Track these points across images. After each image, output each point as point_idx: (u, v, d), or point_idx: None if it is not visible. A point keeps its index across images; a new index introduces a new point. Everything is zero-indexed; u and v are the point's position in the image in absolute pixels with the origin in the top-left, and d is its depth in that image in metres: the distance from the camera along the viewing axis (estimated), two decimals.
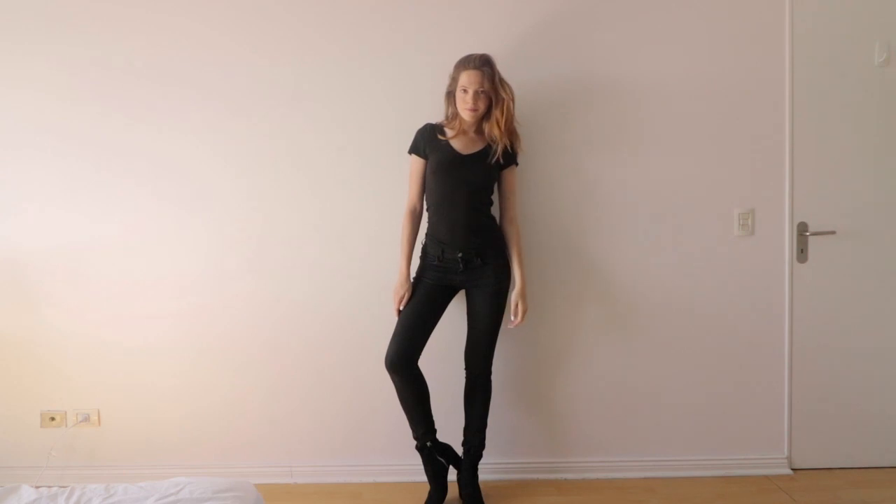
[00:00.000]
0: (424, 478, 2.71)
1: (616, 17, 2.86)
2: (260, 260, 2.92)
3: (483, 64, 2.52)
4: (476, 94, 2.51)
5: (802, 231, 2.94)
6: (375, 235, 2.88)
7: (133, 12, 2.85)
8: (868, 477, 2.92)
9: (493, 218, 2.71)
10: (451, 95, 2.61)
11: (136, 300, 2.94)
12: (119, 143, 2.89)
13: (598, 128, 2.89)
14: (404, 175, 2.72)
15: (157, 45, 2.86)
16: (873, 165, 2.93)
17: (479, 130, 2.63)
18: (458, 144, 2.61)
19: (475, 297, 2.66)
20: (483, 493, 2.73)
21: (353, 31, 2.85)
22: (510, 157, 2.65)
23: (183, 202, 2.91)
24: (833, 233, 2.93)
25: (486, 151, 2.60)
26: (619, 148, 2.90)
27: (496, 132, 2.56)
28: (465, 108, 2.53)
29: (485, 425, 2.74)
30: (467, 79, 2.51)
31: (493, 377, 2.75)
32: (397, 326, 2.62)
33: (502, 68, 2.59)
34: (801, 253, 2.95)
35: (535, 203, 2.91)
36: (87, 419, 2.97)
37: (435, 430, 2.69)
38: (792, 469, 2.99)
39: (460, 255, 2.59)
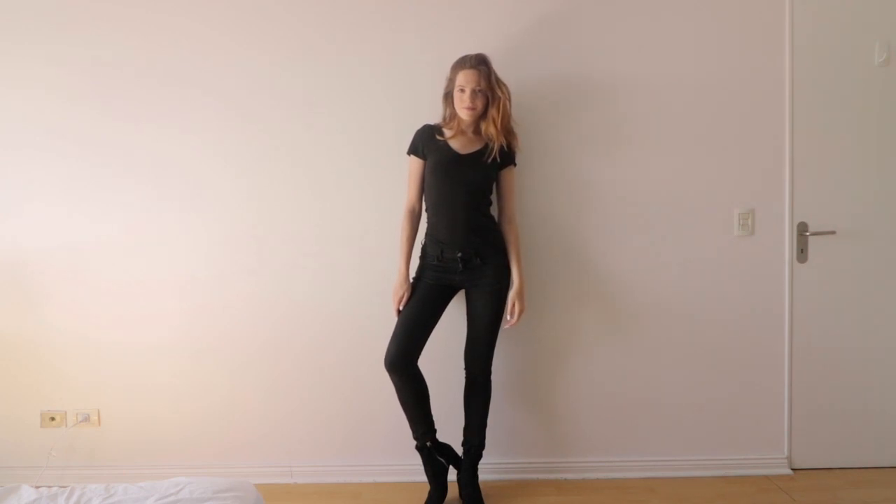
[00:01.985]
0: (424, 478, 2.71)
1: (615, 16, 2.86)
2: (260, 260, 2.92)
3: (479, 63, 2.54)
4: (473, 92, 2.52)
5: (802, 231, 2.94)
6: (375, 235, 2.87)
7: (133, 12, 2.85)
8: (868, 477, 2.92)
9: (491, 218, 2.71)
10: (448, 97, 2.62)
11: (137, 300, 2.94)
12: (119, 143, 2.89)
13: (597, 128, 2.89)
14: (404, 175, 2.72)
15: (158, 46, 2.86)
16: (873, 165, 2.93)
17: (476, 130, 2.63)
18: (457, 144, 2.61)
19: (474, 296, 2.66)
20: (483, 493, 2.73)
21: (353, 31, 2.84)
22: (507, 157, 2.65)
23: (183, 202, 2.91)
24: (833, 233, 2.93)
25: (484, 151, 2.60)
26: (618, 148, 2.90)
27: (492, 131, 2.57)
28: (463, 107, 2.54)
29: (484, 425, 2.73)
30: (464, 78, 2.53)
31: (494, 377, 2.75)
32: (397, 326, 2.62)
33: (502, 68, 2.60)
34: (801, 253, 2.95)
35: (534, 203, 2.90)
36: (87, 419, 2.97)
37: (435, 430, 2.68)
38: (792, 469, 2.99)
39: (459, 254, 2.59)
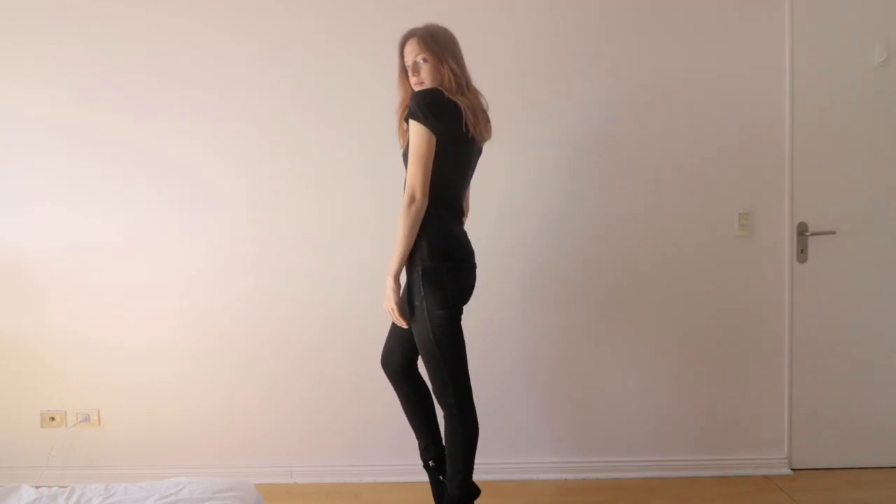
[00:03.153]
0: (425, 477, 2.64)
1: (614, 17, 2.86)
2: (260, 260, 2.93)
3: (418, 32, 2.23)
4: (415, 64, 2.21)
5: (802, 231, 2.93)
6: (376, 235, 2.87)
7: (133, 12, 2.86)
8: (868, 477, 2.92)
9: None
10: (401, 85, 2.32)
11: (137, 300, 2.95)
12: (120, 143, 2.90)
13: (596, 128, 2.89)
14: (403, 173, 2.69)
15: (159, 45, 2.87)
16: (873, 165, 2.93)
17: None
18: None
19: None
20: (483, 493, 2.70)
21: (355, 30, 2.85)
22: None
23: (183, 202, 2.92)
24: (833, 233, 2.93)
25: None
26: (618, 148, 2.90)
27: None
28: (413, 84, 2.24)
29: (459, 473, 2.28)
30: (406, 54, 2.24)
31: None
32: None
33: (505, 65, 2.58)
34: (801, 253, 2.95)
35: (530, 201, 2.91)
36: (87, 419, 2.97)
37: (441, 447, 2.44)
38: (792, 469, 2.99)
39: None
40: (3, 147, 2.92)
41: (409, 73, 2.24)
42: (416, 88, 2.23)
